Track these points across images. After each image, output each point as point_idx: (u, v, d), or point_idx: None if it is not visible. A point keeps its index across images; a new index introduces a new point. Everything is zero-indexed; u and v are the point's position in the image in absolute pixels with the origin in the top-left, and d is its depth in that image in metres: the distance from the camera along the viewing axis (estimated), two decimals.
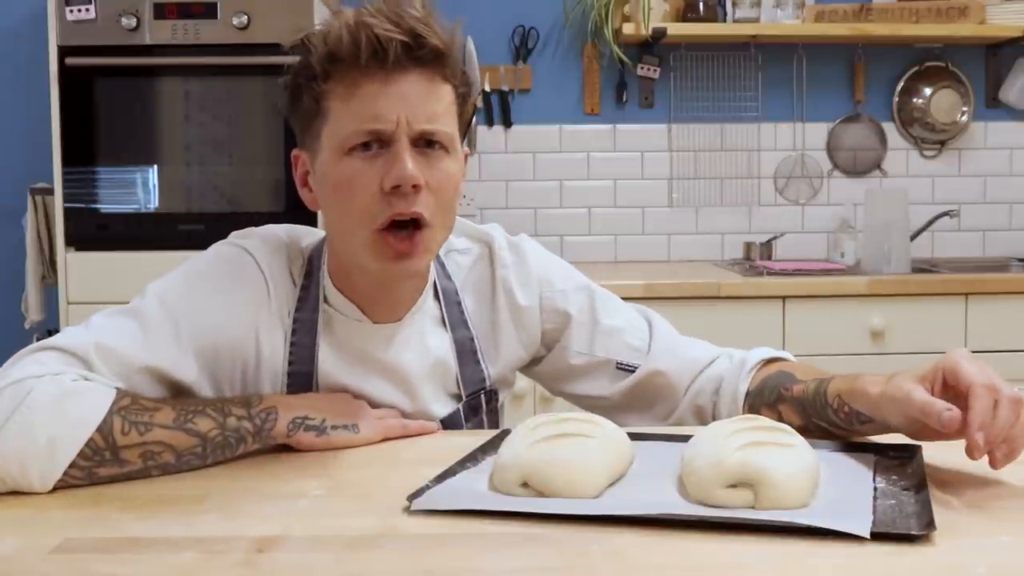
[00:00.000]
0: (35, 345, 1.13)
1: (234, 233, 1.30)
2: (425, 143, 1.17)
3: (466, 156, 1.27)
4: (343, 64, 1.15)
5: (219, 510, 0.98)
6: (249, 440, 1.14)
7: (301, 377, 1.26)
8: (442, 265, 1.35)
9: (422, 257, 1.20)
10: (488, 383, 1.36)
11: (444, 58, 1.17)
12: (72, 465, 1.04)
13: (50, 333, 3.19)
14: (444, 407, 1.33)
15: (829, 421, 1.19)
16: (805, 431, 1.21)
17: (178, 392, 1.18)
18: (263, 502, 0.99)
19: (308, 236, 1.32)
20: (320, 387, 1.26)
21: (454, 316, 1.33)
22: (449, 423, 1.32)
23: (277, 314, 1.25)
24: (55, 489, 1.04)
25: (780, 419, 1.23)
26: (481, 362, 1.34)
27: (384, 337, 1.28)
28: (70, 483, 1.05)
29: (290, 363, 1.25)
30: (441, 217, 1.20)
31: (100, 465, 1.05)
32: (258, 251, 1.26)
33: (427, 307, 1.31)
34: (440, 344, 1.32)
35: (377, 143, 1.16)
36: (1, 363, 1.12)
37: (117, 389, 1.10)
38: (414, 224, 1.17)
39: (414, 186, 1.15)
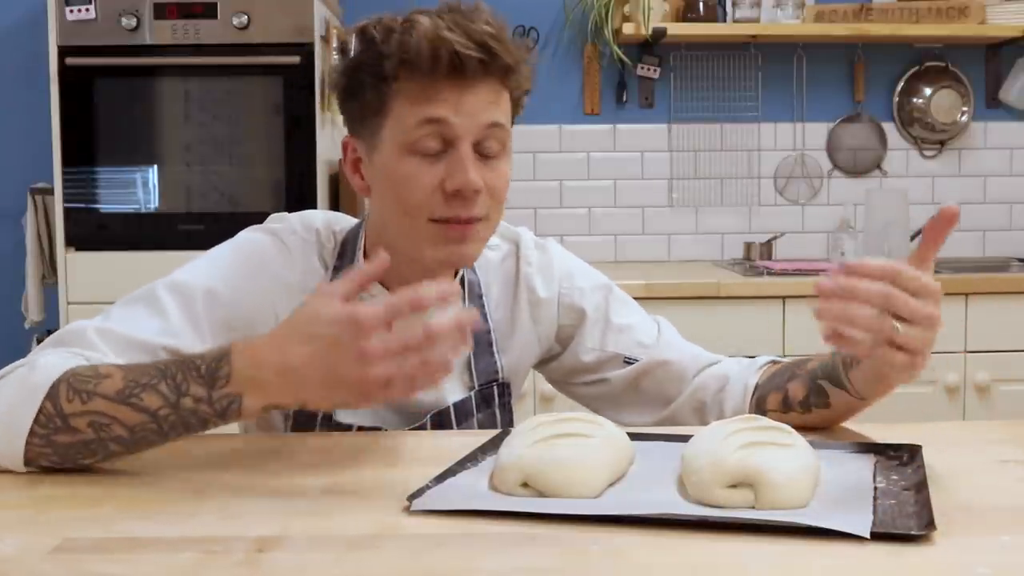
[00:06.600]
0: (47, 339, 1.18)
1: (270, 217, 1.37)
2: (485, 148, 1.24)
3: None
4: (418, 71, 1.19)
5: (219, 510, 0.97)
6: (214, 421, 1.07)
7: None
8: None
9: (476, 244, 1.27)
10: (501, 375, 1.40)
11: (512, 72, 1.25)
12: (32, 433, 1.04)
13: (49, 333, 3.20)
14: (457, 393, 1.36)
15: (835, 379, 1.22)
16: (807, 408, 1.25)
17: None
18: (263, 502, 0.99)
19: (343, 221, 1.38)
20: None
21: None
22: (461, 408, 1.36)
23: (301, 295, 1.24)
24: (31, 463, 1.06)
25: (785, 399, 1.27)
26: (495, 355, 1.39)
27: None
28: (39, 455, 1.05)
29: None
30: (494, 212, 1.27)
31: (56, 432, 1.05)
32: (288, 235, 1.31)
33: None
34: None
35: (441, 146, 1.22)
36: (1, 363, 1.12)
37: (86, 361, 1.11)
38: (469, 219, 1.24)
39: (475, 190, 1.22)
